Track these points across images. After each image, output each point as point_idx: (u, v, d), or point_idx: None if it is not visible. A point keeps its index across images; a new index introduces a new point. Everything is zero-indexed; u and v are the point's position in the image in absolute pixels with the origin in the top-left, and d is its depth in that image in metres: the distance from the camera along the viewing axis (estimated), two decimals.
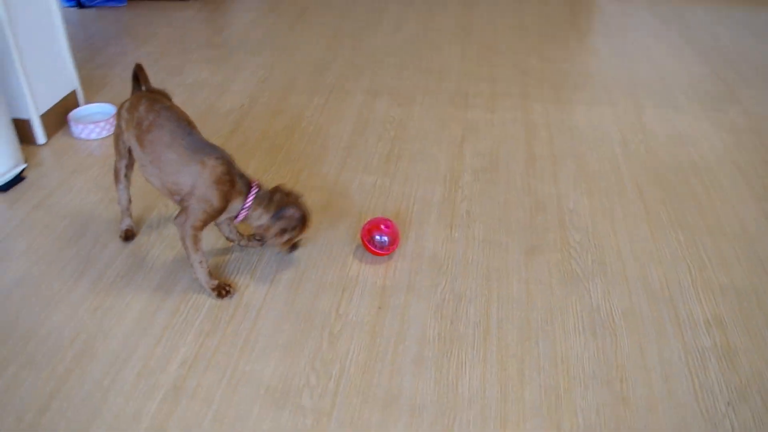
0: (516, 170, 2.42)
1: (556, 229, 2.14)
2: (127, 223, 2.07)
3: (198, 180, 1.71)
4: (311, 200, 2.25)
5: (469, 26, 3.63)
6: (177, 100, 2.88)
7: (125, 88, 2.99)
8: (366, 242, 1.99)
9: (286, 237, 1.85)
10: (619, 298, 1.88)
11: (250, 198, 1.78)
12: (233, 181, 1.75)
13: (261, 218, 1.82)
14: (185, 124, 1.77)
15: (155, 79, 3.05)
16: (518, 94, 2.94)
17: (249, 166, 2.43)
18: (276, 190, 1.83)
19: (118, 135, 1.92)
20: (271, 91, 2.95)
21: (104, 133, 2.60)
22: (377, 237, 1.97)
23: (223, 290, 1.86)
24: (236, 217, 1.81)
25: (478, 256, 2.02)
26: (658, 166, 2.46)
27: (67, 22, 3.73)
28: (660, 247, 2.07)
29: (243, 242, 2.05)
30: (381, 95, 2.93)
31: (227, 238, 2.04)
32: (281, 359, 1.69)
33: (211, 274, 1.87)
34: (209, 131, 2.65)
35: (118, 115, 1.90)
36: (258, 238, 2.04)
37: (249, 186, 1.79)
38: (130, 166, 1.98)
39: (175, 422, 1.53)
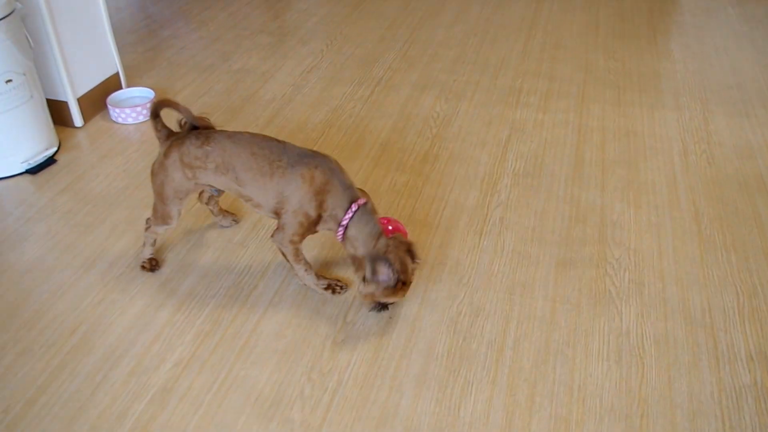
0: (560, 176, 2.25)
1: (595, 242, 1.97)
2: (149, 252, 1.89)
3: (298, 193, 1.59)
4: None
5: (535, 20, 3.44)
6: (221, 86, 2.85)
7: (171, 72, 2.98)
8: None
9: (370, 291, 1.59)
10: (654, 323, 1.70)
11: (347, 216, 1.60)
12: (335, 191, 1.60)
13: (356, 248, 1.62)
14: (275, 143, 1.64)
15: (203, 65, 3.03)
16: (576, 94, 2.75)
17: None
18: (394, 237, 1.61)
19: (175, 180, 1.69)
20: (316, 81, 2.88)
21: (141, 118, 2.60)
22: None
23: (337, 287, 1.78)
24: (338, 236, 1.64)
25: (504, 268, 1.88)
26: (720, 179, 2.23)
27: (128, 3, 3.78)
28: (708, 269, 1.87)
29: (220, 220, 2.02)
30: (429, 90, 2.80)
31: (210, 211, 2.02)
32: (278, 366, 1.61)
33: (319, 276, 1.77)
34: (247, 119, 2.60)
35: (179, 160, 1.67)
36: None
37: (351, 202, 1.60)
38: (180, 210, 1.79)
39: (158, 425, 1.48)
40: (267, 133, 2.47)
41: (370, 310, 1.73)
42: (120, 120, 2.60)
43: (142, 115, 2.60)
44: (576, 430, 1.45)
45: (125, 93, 2.71)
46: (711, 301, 1.77)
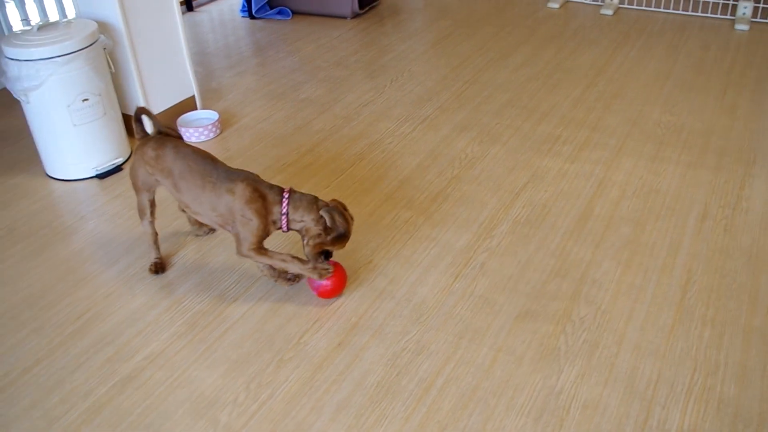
0: (559, 228, 2.27)
1: (566, 299, 1.98)
2: (155, 255, 2.18)
3: (234, 206, 1.85)
4: None
5: (605, 68, 3.41)
6: (282, 114, 3.12)
7: (244, 97, 3.30)
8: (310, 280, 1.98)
9: (320, 240, 1.87)
10: (590, 387, 1.70)
11: (284, 203, 1.86)
12: (264, 196, 1.86)
13: (303, 219, 1.87)
14: (210, 161, 1.93)
15: (275, 93, 3.32)
16: (613, 146, 2.72)
17: (305, 184, 2.57)
18: (331, 202, 1.90)
19: (140, 173, 2.03)
20: (366, 116, 3.07)
21: (203, 138, 2.92)
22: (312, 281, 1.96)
23: (323, 270, 1.93)
24: (283, 227, 1.88)
25: (464, 312, 1.95)
26: (730, 250, 2.14)
27: (238, 31, 4.18)
28: (674, 341, 1.83)
29: (196, 230, 2.30)
30: (468, 131, 2.89)
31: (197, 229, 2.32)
32: (225, 372, 1.80)
33: (302, 260, 1.92)
34: (290, 147, 2.84)
35: (141, 158, 2.01)
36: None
37: (281, 194, 1.87)
38: (153, 201, 2.11)
39: (110, 407, 1.72)
40: (304, 160, 2.70)
41: (315, 264, 1.92)
42: (185, 138, 2.93)
43: (204, 135, 2.92)
44: None
45: (194, 114, 3.06)
46: (662, 373, 1.74)
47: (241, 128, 3.04)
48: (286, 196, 1.86)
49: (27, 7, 3.73)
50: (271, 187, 1.89)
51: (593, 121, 2.92)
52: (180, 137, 2.08)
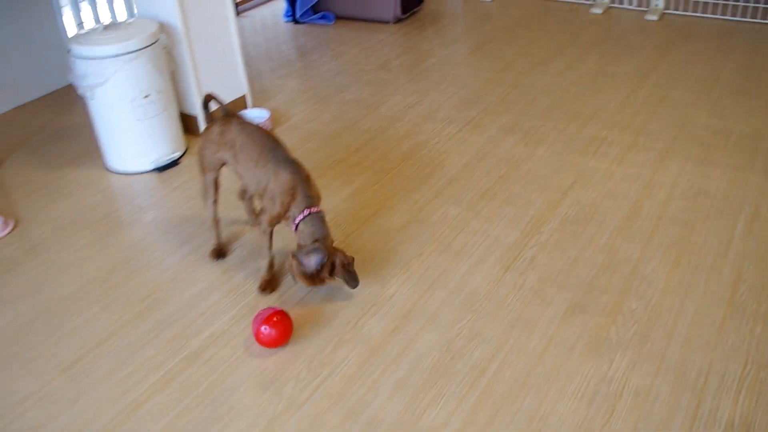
0: (608, 226, 2.31)
1: (616, 293, 2.02)
2: (215, 241, 2.27)
3: (270, 185, 1.96)
4: (390, 222, 2.40)
5: (649, 73, 3.44)
6: (329, 115, 3.21)
7: (292, 98, 3.39)
8: (256, 329, 1.87)
9: (293, 263, 1.94)
10: (641, 376, 1.74)
11: (299, 218, 1.95)
12: (295, 196, 1.96)
13: (304, 240, 1.95)
14: (272, 142, 2.03)
15: (321, 95, 3.41)
16: (660, 149, 2.76)
17: (354, 182, 2.65)
18: (333, 248, 1.96)
19: (206, 153, 2.14)
20: (411, 117, 3.14)
21: None
22: (263, 329, 1.86)
23: (268, 287, 2.09)
24: (292, 227, 1.98)
25: (515, 304, 2.01)
26: None
27: (282, 36, 4.30)
28: (725, 335, 1.86)
29: (253, 220, 2.39)
30: (513, 133, 2.95)
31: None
32: (286, 352, 1.88)
33: (271, 269, 2.10)
34: (339, 145, 2.92)
35: (207, 137, 2.13)
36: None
37: (307, 208, 1.94)
38: (217, 182, 2.19)
39: (181, 379, 1.81)
40: (352, 158, 2.78)
41: (268, 278, 2.10)
42: None
43: None
44: None
45: (246, 112, 3.16)
46: (713, 365, 1.77)
47: (290, 127, 3.13)
48: (306, 213, 1.94)
49: (94, 8, 3.89)
50: (306, 196, 1.96)
51: (639, 124, 2.96)
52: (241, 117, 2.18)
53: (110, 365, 1.88)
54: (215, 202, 2.23)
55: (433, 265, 2.18)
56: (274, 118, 3.19)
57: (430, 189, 2.58)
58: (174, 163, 2.86)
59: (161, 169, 2.83)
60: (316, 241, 1.93)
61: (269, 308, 1.89)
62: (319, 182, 2.66)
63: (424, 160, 2.79)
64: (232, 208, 2.53)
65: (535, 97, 3.28)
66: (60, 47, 3.62)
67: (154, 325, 2.01)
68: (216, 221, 2.25)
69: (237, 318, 2.01)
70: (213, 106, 2.22)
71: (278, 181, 1.95)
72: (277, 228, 2.15)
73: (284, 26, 4.47)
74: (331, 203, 2.53)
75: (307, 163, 2.79)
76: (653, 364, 1.78)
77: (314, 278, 1.94)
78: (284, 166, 1.97)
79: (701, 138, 2.83)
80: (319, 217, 1.96)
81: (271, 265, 2.10)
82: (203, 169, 2.18)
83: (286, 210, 1.98)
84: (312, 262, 1.91)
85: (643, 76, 3.42)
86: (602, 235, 2.27)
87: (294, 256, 1.94)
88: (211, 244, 2.28)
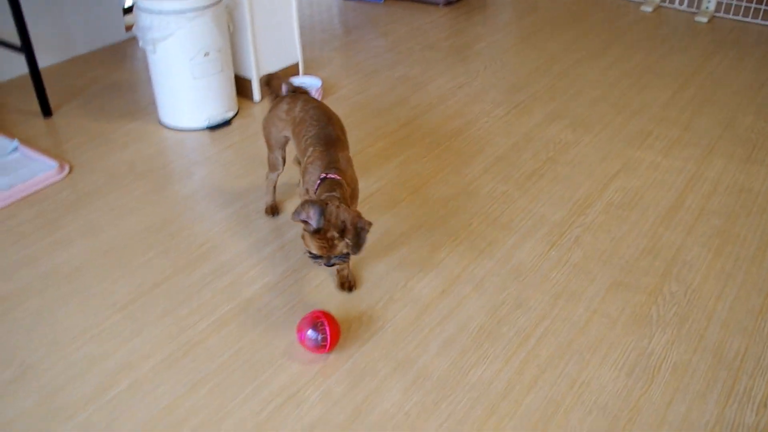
0: (652, 213, 2.36)
1: (657, 275, 2.08)
2: (271, 199, 2.33)
3: (310, 159, 1.92)
4: (440, 193, 2.47)
5: (695, 74, 3.47)
6: (378, 89, 3.27)
7: (341, 70, 3.46)
8: (300, 335, 1.79)
9: (306, 234, 1.76)
10: (680, 353, 1.80)
11: (316, 185, 1.84)
12: (322, 164, 1.87)
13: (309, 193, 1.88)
14: (325, 120, 2.01)
15: (370, 69, 3.48)
16: (705, 145, 2.80)
17: (403, 154, 2.71)
18: (350, 210, 1.76)
19: (272, 131, 2.16)
20: (461, 97, 3.20)
21: None
22: (310, 333, 1.76)
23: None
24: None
25: (560, 277, 2.07)
26: None
27: (331, 11, 4.36)
28: (763, 323, 1.91)
29: None
30: (561, 120, 3.00)
31: None
32: (339, 305, 1.96)
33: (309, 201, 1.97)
34: (388, 118, 2.99)
35: (275, 114, 2.14)
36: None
37: (324, 173, 1.84)
38: (284, 157, 2.23)
39: (237, 322, 1.89)
40: (402, 131, 2.85)
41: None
42: None
43: None
44: (563, 414, 1.63)
45: (298, 79, 3.22)
46: (750, 348, 1.83)
47: (341, 98, 3.20)
48: (322, 177, 1.83)
49: None
50: (327, 166, 1.86)
51: (684, 121, 3.00)
52: (306, 92, 2.21)
53: (166, 306, 1.96)
54: (279, 174, 2.28)
55: (480, 236, 2.24)
56: (325, 88, 3.26)
57: (479, 165, 2.64)
58: (226, 123, 2.94)
59: (214, 127, 2.91)
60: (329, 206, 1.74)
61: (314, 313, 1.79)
62: (369, 151, 2.74)
63: (473, 138, 2.85)
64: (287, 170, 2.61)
65: (581, 88, 3.32)
66: (114, 2, 3.71)
67: (209, 272, 2.09)
68: (274, 187, 2.32)
69: (290, 270, 2.09)
70: (284, 89, 2.19)
71: (312, 155, 1.91)
72: None
73: (334, 2, 4.53)
74: (380, 172, 2.60)
75: (357, 133, 2.86)
76: (692, 342, 1.84)
77: (323, 239, 1.70)
78: (321, 142, 1.93)
79: (747, 138, 2.86)
80: (335, 182, 1.82)
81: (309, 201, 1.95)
82: (270, 147, 2.22)
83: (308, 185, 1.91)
84: (311, 213, 1.69)
85: (690, 76, 3.45)
86: (646, 221, 2.33)
87: (299, 221, 1.75)
88: (266, 201, 2.35)
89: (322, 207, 1.69)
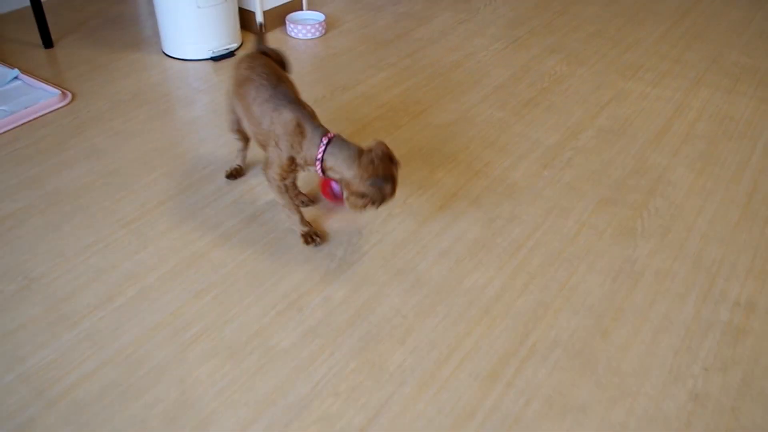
0: (640, 138, 2.48)
1: (643, 192, 2.21)
2: (237, 163, 2.23)
3: (272, 129, 1.80)
4: (440, 119, 2.58)
5: (688, 12, 3.54)
6: (382, 23, 3.35)
7: (346, 5, 3.53)
8: (325, 189, 2.05)
9: (363, 202, 1.76)
10: (662, 260, 1.94)
11: (321, 148, 1.76)
12: (303, 133, 1.77)
13: (342, 172, 1.76)
14: (274, 80, 1.84)
15: (375, 5, 3.55)
16: (693, 77, 2.90)
17: (405, 82, 2.81)
18: (374, 150, 1.73)
19: (228, 94, 2.05)
20: (461, 32, 3.28)
21: (309, 35, 3.17)
22: (334, 185, 2.01)
23: (310, 238, 1.98)
24: (318, 171, 1.80)
25: (552, 194, 2.20)
26: None
27: None
28: (738, 233, 2.05)
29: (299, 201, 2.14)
30: (557, 54, 3.09)
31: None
32: (338, 221, 2.08)
33: (304, 221, 1.98)
34: (392, 50, 3.08)
35: (233, 74, 1.97)
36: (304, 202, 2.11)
37: (321, 137, 1.76)
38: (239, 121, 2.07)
39: (241, 236, 2.02)
40: (404, 62, 2.94)
41: (310, 231, 1.98)
42: (293, 34, 3.19)
43: (311, 33, 3.17)
44: (551, 313, 1.78)
45: (301, 14, 3.30)
46: (726, 255, 1.97)
47: (345, 31, 3.28)
48: (325, 141, 1.75)
49: None
50: (316, 127, 1.77)
51: (675, 55, 3.10)
52: (278, 56, 2.04)
53: (171, 222, 2.07)
54: (244, 147, 2.20)
55: (477, 158, 2.36)
56: (329, 23, 3.33)
57: (478, 94, 2.75)
58: (230, 54, 3.03)
59: (217, 58, 3.00)
60: (361, 161, 1.73)
61: None
62: (371, 81, 2.83)
63: (472, 69, 2.94)
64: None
65: (579, 24, 3.40)
66: None
67: (213, 191, 2.20)
68: (243, 148, 2.22)
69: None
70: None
71: (280, 120, 1.78)
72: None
73: None
74: (383, 98, 2.71)
75: (360, 64, 2.96)
76: (673, 251, 1.98)
77: (387, 196, 1.76)
78: (285, 104, 1.79)
79: (731, 72, 2.96)
80: (342, 139, 1.77)
81: (302, 219, 1.97)
82: (228, 110, 2.09)
83: (298, 152, 1.79)
84: (386, 192, 1.74)
85: (682, 14, 3.53)
86: (634, 145, 2.44)
87: (357, 196, 1.74)
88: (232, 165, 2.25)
89: (384, 181, 1.71)
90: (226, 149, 2.40)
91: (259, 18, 3.13)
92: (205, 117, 2.59)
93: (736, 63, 3.04)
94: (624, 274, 1.90)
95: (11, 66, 2.84)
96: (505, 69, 2.95)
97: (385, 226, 2.06)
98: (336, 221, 2.07)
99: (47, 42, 3.07)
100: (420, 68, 2.94)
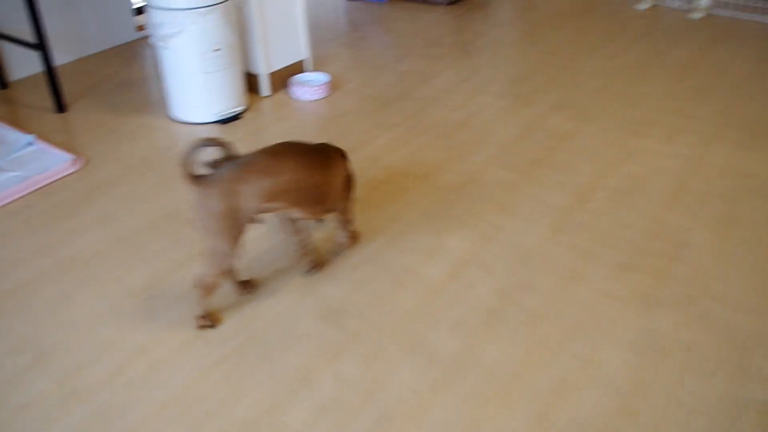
0: (656, 198, 2.40)
1: (663, 257, 2.11)
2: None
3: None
4: (447, 181, 2.50)
5: (695, 66, 3.51)
6: (385, 82, 3.32)
7: (349, 65, 3.51)
8: None
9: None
10: (688, 332, 1.84)
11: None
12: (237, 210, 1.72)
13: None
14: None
15: (377, 64, 3.53)
16: (707, 133, 2.84)
17: (409, 146, 2.75)
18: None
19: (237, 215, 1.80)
20: (465, 90, 3.24)
21: (314, 97, 3.13)
22: None
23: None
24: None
25: (567, 260, 2.10)
26: None
27: (337, 10, 4.41)
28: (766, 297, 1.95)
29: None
30: (562, 110, 3.04)
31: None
32: (349, 289, 1.99)
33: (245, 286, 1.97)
34: (396, 109, 3.04)
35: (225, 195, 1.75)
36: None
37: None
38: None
39: (246, 310, 1.93)
40: (408, 122, 2.89)
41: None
42: (297, 95, 3.15)
43: (316, 94, 3.13)
44: (573, 392, 1.67)
45: (306, 75, 3.27)
46: (759, 326, 1.86)
47: (348, 91, 3.24)
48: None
49: None
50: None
51: (686, 110, 3.04)
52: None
53: (180, 291, 2.00)
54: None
55: (487, 222, 2.28)
56: (333, 82, 3.30)
57: (484, 155, 2.68)
58: (236, 117, 2.99)
59: (224, 121, 2.95)
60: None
61: None
62: (377, 142, 2.78)
63: (477, 127, 2.89)
64: None
65: (583, 79, 3.36)
66: (125, 3, 3.76)
67: None
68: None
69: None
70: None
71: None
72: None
73: (339, 2, 4.58)
74: (389, 160, 2.65)
75: (365, 125, 2.91)
76: (699, 322, 1.87)
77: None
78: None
79: (746, 126, 2.90)
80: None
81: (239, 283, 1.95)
82: (230, 239, 1.79)
83: (237, 238, 1.73)
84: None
85: (688, 69, 3.50)
86: (650, 206, 2.36)
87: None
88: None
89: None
90: None
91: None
92: None
93: (750, 118, 2.98)
94: (648, 347, 1.79)
95: (27, 131, 2.82)
96: (511, 127, 2.89)
97: (395, 296, 1.97)
98: (346, 291, 1.98)
99: (60, 107, 3.06)
100: (425, 128, 2.89)
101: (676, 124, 2.91)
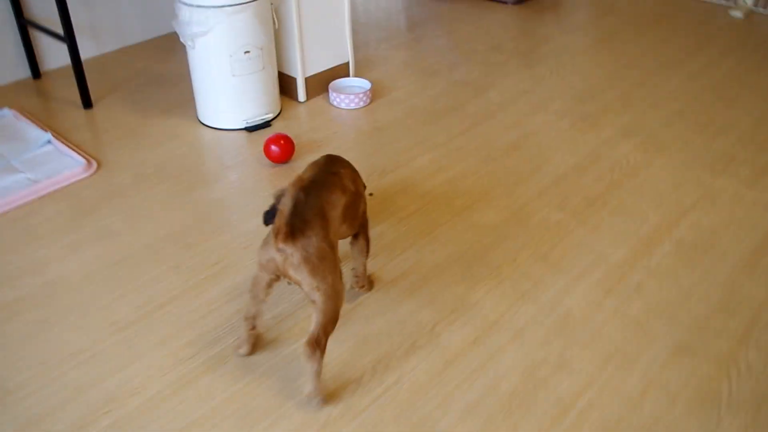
0: (731, 259, 2.03)
1: (733, 339, 1.76)
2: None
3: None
4: (486, 218, 2.20)
5: None
6: (434, 92, 3.02)
7: (398, 70, 3.22)
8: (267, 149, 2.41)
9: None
10: None
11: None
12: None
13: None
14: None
15: (429, 70, 3.22)
16: None
17: (451, 171, 2.46)
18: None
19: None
20: (522, 105, 2.91)
21: (353, 105, 2.86)
22: (272, 147, 2.41)
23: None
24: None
25: (613, 334, 1.78)
26: None
27: (396, 4, 4.11)
28: None
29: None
30: (632, 136, 2.67)
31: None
32: (353, 348, 1.74)
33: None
34: (443, 126, 2.74)
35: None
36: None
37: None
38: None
39: (229, 366, 1.69)
40: (454, 142, 2.60)
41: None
42: (335, 103, 2.89)
43: (354, 102, 2.86)
44: None
45: (346, 81, 3.00)
46: None
47: (392, 100, 2.96)
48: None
49: None
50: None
51: None
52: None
53: (165, 332, 1.79)
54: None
55: (526, 275, 1.97)
56: (376, 90, 3.03)
57: (534, 187, 2.36)
58: (266, 125, 2.75)
59: (252, 129, 2.73)
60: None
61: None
62: (415, 163, 2.50)
63: (531, 153, 2.56)
64: None
65: (660, 100, 2.97)
66: None
67: (219, 295, 1.91)
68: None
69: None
70: None
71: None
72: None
73: None
74: (425, 186, 2.36)
75: (405, 143, 2.63)
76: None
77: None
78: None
79: None
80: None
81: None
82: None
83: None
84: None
85: None
86: (722, 269, 2.00)
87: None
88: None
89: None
90: (240, 240, 2.11)
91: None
92: (228, 198, 2.31)
93: None
94: None
95: (45, 128, 2.69)
96: (570, 155, 2.55)
97: (405, 362, 1.70)
98: (348, 351, 1.72)
99: (87, 102, 2.92)
100: (471, 150, 2.58)
101: (763, 162, 2.50)
